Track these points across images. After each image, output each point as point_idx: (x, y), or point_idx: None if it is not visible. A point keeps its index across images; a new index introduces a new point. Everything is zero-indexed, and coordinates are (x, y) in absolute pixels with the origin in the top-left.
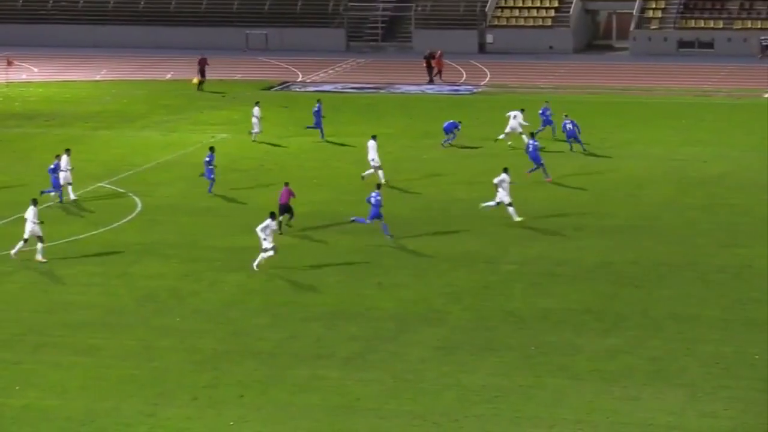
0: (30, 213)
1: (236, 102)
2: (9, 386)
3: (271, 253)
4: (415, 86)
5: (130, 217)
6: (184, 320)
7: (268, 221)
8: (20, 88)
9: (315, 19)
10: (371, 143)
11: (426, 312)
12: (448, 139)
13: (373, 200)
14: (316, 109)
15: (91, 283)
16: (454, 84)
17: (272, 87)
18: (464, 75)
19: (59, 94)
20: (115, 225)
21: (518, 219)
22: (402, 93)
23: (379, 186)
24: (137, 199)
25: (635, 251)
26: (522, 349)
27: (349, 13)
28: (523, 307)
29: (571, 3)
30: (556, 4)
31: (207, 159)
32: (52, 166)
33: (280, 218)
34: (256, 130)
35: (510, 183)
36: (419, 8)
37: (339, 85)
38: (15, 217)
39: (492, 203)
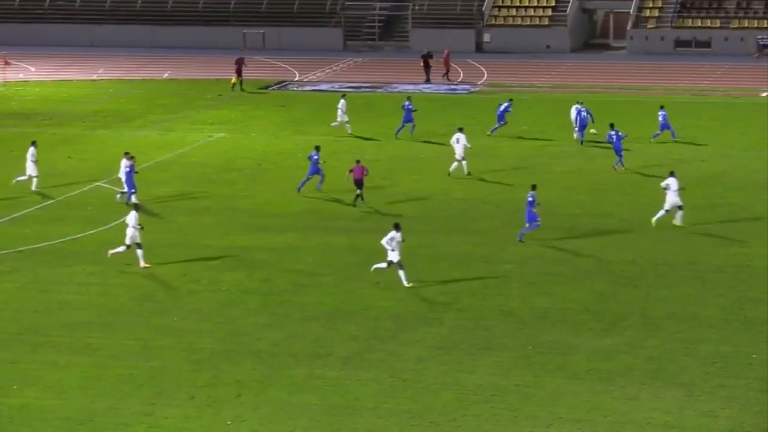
0: (131, 218)
1: (233, 101)
2: (7, 386)
3: (386, 264)
4: (412, 85)
5: (127, 217)
6: (182, 320)
7: (393, 233)
8: (17, 88)
9: (312, 18)
10: (460, 136)
11: (424, 311)
12: (500, 125)
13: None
14: (405, 105)
15: (89, 283)
16: (451, 83)
17: (269, 86)
18: (461, 74)
19: (56, 94)
20: (113, 224)
21: (679, 223)
22: (399, 92)
23: (534, 187)
24: (134, 199)
25: (633, 251)
26: (520, 349)
27: (347, 13)
28: (521, 306)
29: (568, 2)
30: (553, 4)
31: (314, 155)
32: (127, 170)
33: (358, 192)
34: (340, 120)
35: (680, 188)
36: (416, 7)
37: (336, 85)
38: (11, 217)
39: (662, 212)
